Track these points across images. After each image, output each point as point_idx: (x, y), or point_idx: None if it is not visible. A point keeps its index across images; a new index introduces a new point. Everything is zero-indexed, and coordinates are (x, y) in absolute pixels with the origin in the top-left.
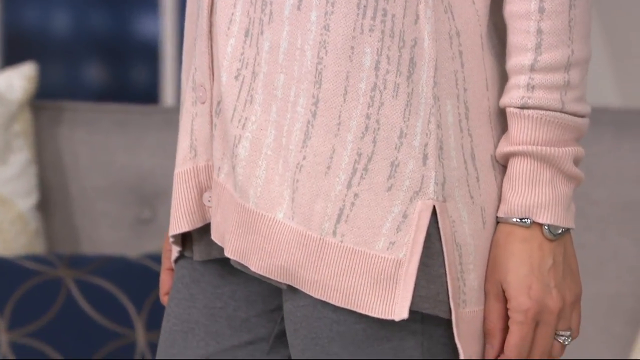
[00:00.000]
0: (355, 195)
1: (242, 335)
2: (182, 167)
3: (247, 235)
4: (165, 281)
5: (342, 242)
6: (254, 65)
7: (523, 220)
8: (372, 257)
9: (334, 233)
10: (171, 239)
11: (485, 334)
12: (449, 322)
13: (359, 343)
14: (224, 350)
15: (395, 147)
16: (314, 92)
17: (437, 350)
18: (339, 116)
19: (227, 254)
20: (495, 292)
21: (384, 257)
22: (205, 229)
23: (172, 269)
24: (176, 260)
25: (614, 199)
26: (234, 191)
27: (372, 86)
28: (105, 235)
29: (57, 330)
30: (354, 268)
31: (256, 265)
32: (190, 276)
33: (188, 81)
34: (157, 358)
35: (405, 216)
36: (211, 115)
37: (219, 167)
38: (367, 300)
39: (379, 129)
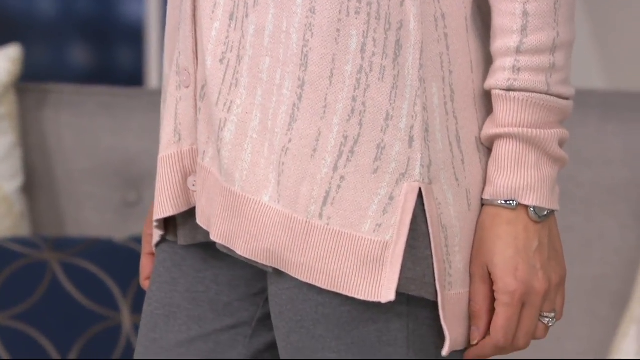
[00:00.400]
0: (342, 177)
1: (224, 319)
2: (166, 152)
3: (233, 219)
4: (145, 265)
5: (328, 224)
6: (239, 48)
7: (508, 202)
8: (358, 239)
9: (320, 216)
10: (155, 223)
11: (471, 316)
12: (434, 304)
13: (344, 325)
14: (206, 334)
15: (382, 130)
16: (299, 75)
17: (422, 332)
18: (325, 99)
19: (213, 237)
20: (481, 274)
21: (371, 240)
22: (190, 213)
23: (152, 254)
24: (157, 244)
25: (599, 181)
26: (220, 175)
27: (358, 69)
28: (91, 218)
29: (42, 313)
30: (341, 250)
31: (242, 248)
32: (171, 260)
33: (172, 65)
34: (139, 342)
35: (391, 198)
36: (195, 99)
37: (204, 151)
38: (354, 283)
39: (365, 111)
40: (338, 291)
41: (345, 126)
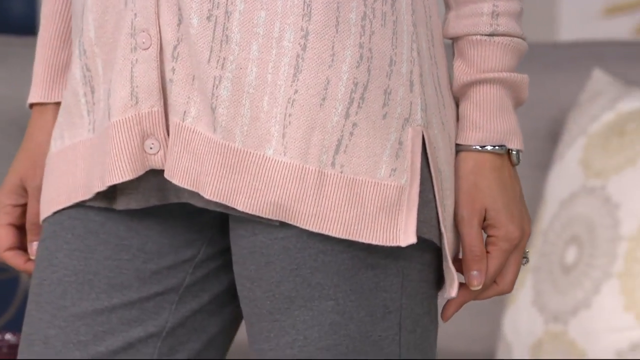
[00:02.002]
0: (354, 124)
1: (151, 286)
2: (122, 115)
3: (233, 175)
4: (2, 237)
5: (342, 172)
6: (227, 4)
7: (498, 147)
8: (374, 185)
9: (333, 164)
10: (99, 189)
11: (469, 261)
12: (424, 248)
13: (344, 272)
14: (130, 302)
15: (387, 75)
16: (302, 25)
17: (414, 277)
18: (333, 47)
19: (207, 196)
20: (479, 219)
21: (387, 184)
22: (139, 177)
23: (10, 225)
24: (58, 211)
25: None
26: (213, 133)
27: (362, 15)
28: None
29: None
30: (356, 198)
31: (244, 204)
32: (84, 227)
33: (122, 28)
34: (41, 308)
35: (400, 143)
36: (159, 61)
37: (185, 112)
38: (372, 229)
39: (372, 57)
40: (354, 239)
41: (355, 73)
